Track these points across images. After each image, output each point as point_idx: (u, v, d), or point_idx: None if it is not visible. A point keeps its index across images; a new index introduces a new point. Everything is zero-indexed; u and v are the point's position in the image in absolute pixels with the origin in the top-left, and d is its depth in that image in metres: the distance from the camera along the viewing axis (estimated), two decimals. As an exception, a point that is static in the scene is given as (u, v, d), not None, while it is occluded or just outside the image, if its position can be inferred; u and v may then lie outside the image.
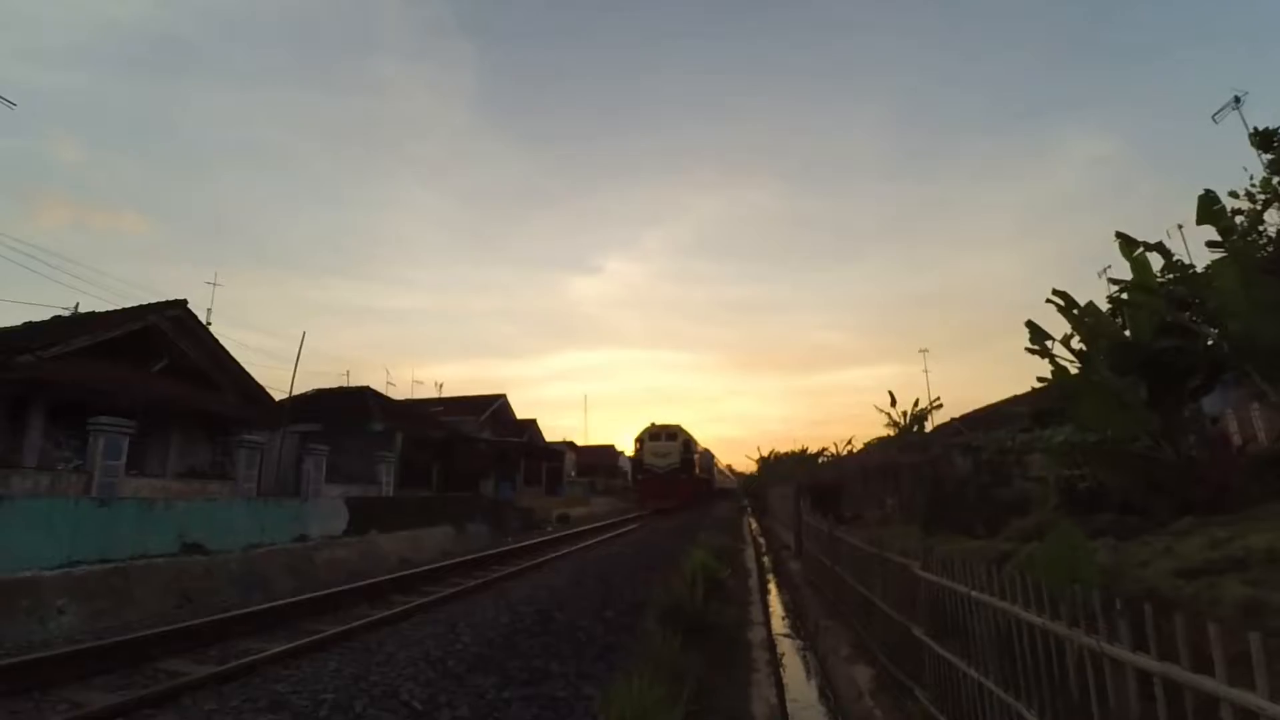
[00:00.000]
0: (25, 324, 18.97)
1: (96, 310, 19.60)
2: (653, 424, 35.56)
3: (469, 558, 12.08)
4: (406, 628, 6.61)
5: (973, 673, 3.24)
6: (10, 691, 4.69)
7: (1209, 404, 7.55)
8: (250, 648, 5.98)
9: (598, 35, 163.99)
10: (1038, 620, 2.55)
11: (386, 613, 7.23)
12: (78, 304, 20.70)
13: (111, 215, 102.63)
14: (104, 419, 14.78)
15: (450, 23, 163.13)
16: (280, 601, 7.66)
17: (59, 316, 19.78)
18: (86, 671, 5.17)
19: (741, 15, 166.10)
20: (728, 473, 67.62)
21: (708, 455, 45.56)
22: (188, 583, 9.30)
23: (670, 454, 33.94)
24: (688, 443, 35.08)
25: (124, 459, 15.22)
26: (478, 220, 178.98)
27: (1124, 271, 7.45)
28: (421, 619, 7.01)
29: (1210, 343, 6.29)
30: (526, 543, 15.41)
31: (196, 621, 6.53)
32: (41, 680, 4.91)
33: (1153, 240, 7.03)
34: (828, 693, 5.92)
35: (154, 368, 18.25)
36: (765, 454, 63.32)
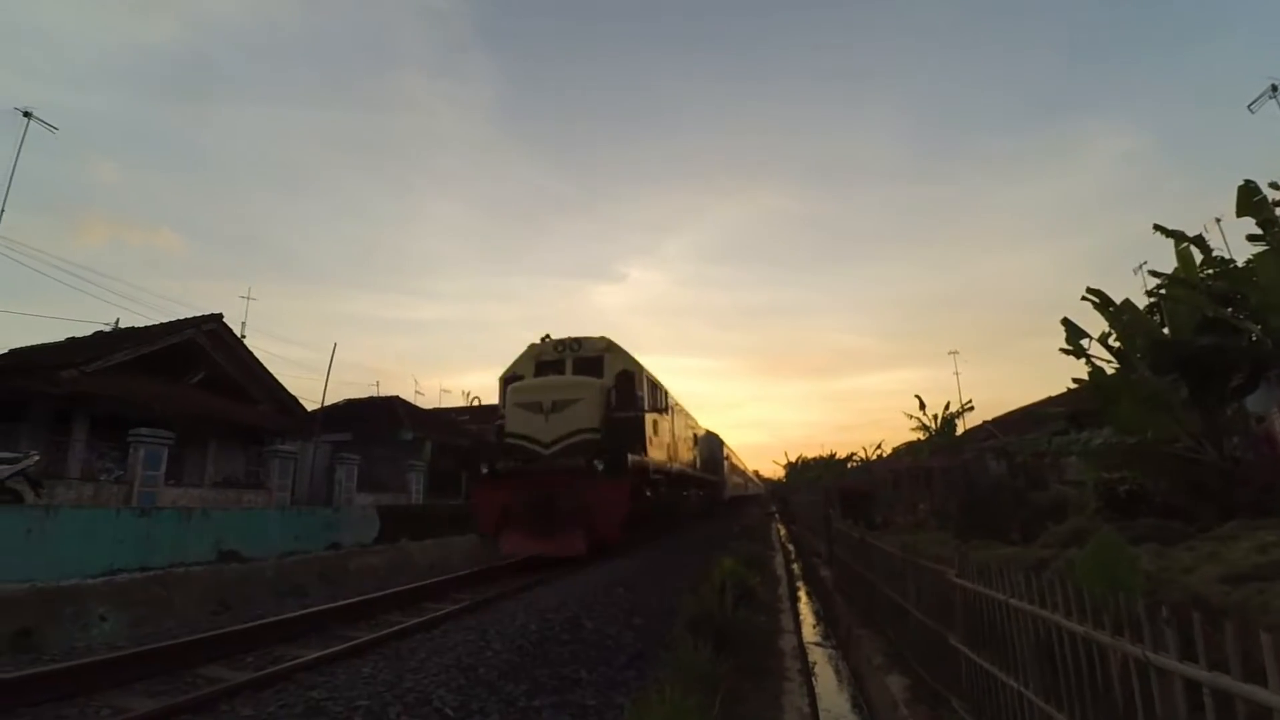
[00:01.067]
0: (68, 339, 19.61)
1: (136, 325, 20.19)
2: (547, 337, 15.02)
3: (498, 564, 12.14)
4: (438, 634, 6.66)
5: (1011, 682, 3.16)
6: (55, 696, 4.82)
7: (1253, 403, 7.30)
8: (286, 654, 6.07)
9: (614, 44, 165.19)
10: (1080, 629, 2.48)
11: (418, 619, 7.30)
12: (118, 319, 21.35)
13: (147, 233, 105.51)
14: (144, 430, 15.22)
15: (469, 38, 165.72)
16: (315, 608, 7.77)
17: (100, 332, 20.40)
18: (128, 677, 5.29)
19: (756, 18, 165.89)
20: (754, 477, 66.82)
21: (713, 440, 27.12)
22: (225, 590, 9.49)
23: (572, 409, 12.59)
24: (628, 379, 13.82)
25: (163, 469, 15.65)
26: (500, 231, 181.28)
27: (1160, 266, 7.27)
28: (452, 626, 7.06)
29: (1253, 339, 6.09)
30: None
31: (234, 628, 6.65)
32: (84, 685, 5.04)
33: (1187, 235, 6.86)
34: (861, 702, 5.84)
35: (191, 380, 18.73)
36: (792, 459, 63.04)
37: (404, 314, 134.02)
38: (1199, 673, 1.88)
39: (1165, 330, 6.83)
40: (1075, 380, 7.78)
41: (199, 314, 19.13)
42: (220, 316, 19.23)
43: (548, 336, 15.01)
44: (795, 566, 16.26)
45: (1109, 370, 7.01)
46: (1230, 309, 6.28)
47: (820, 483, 26.54)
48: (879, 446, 36.69)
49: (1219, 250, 6.95)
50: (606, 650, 6.15)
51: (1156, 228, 6.99)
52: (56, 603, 7.41)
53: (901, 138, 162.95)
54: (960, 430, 26.78)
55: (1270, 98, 18.13)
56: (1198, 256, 6.79)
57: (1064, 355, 7.24)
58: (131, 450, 15.20)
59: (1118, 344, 7.05)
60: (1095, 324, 7.11)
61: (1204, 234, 6.85)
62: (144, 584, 8.56)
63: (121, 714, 4.47)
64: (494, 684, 5.03)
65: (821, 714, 5.51)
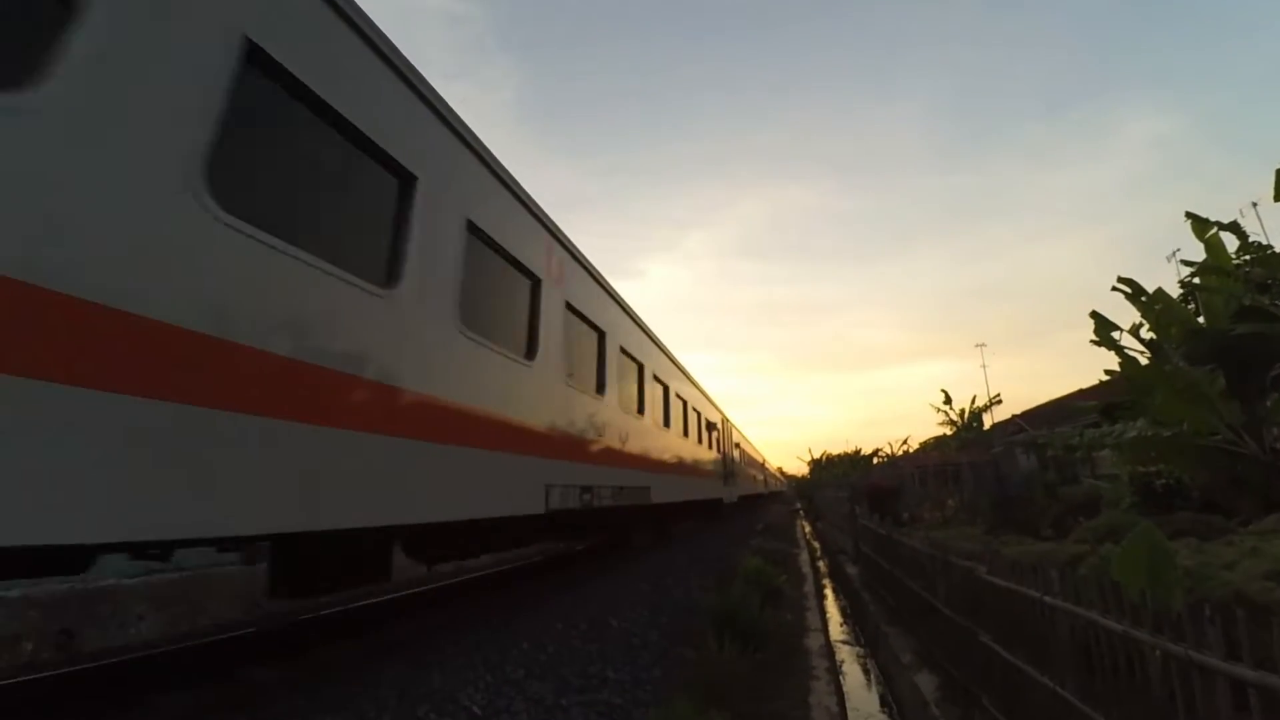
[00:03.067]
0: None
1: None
2: None
3: (523, 564, 12.22)
4: (463, 634, 6.71)
5: (1046, 681, 3.10)
6: (92, 694, 4.94)
7: (1295, 393, 7.10)
8: (319, 654, 6.17)
9: (636, 41, 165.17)
10: (1118, 627, 2.43)
11: (444, 619, 7.37)
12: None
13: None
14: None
15: (490, 42, 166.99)
16: (345, 607, 7.88)
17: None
18: (164, 676, 5.41)
19: (780, 12, 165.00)
20: (779, 475, 66.58)
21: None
22: (260, 590, 9.64)
23: None
24: None
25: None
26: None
27: (1194, 255, 7.09)
28: (477, 626, 7.11)
29: (1294, 327, 5.91)
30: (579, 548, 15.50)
31: (269, 628, 6.76)
32: (122, 684, 5.16)
33: (1223, 221, 6.68)
34: (890, 701, 5.77)
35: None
36: (817, 456, 62.62)
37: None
38: (1245, 672, 1.83)
39: (1200, 319, 6.66)
40: (1108, 372, 7.62)
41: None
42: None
43: None
44: (821, 564, 16.13)
45: (1142, 361, 6.85)
46: (1268, 296, 6.10)
47: (846, 479, 26.36)
48: (905, 442, 36.36)
49: (1256, 236, 6.76)
50: (633, 649, 6.15)
51: (1189, 215, 6.82)
52: (95, 603, 7.61)
53: (931, 127, 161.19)
54: (988, 425, 26.41)
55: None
56: (1233, 243, 6.61)
57: (1096, 347, 7.10)
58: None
59: (1151, 334, 6.89)
60: (1129, 315, 6.96)
61: (1239, 220, 6.66)
62: (180, 584, 8.75)
63: (157, 712, 4.56)
64: (520, 683, 5.05)
65: (850, 713, 5.45)
